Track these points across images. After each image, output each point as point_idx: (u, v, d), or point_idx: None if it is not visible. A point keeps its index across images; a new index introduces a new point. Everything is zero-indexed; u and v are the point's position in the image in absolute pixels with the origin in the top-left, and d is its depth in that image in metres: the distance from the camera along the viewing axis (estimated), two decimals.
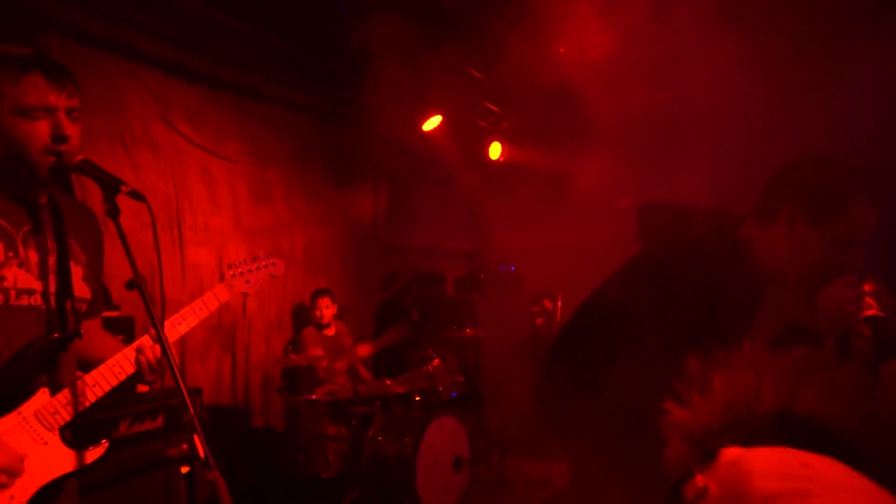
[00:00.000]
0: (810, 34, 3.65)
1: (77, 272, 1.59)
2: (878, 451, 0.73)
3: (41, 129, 1.43)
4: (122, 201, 1.42)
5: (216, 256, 4.53)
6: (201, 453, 1.28)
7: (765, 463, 0.66)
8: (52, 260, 1.53)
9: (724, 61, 3.95)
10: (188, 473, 1.32)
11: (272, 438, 4.63)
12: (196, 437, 1.29)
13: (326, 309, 4.74)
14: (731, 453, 0.70)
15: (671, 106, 5.08)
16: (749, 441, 0.73)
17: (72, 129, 1.46)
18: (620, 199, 6.95)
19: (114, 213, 1.41)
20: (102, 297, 1.76)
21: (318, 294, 4.82)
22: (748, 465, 0.66)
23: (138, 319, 3.71)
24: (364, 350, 4.68)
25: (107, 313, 3.57)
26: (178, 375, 1.33)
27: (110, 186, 1.42)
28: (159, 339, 1.34)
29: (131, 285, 1.39)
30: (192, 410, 1.31)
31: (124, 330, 3.51)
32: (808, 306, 1.56)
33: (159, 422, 3.12)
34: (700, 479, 0.70)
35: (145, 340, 1.64)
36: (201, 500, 1.42)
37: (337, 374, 4.55)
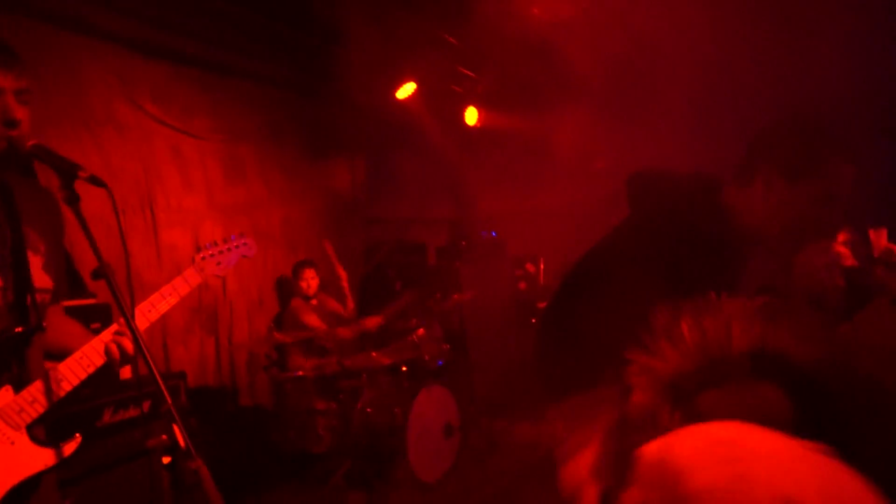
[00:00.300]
0: None
1: (36, 262, 1.53)
2: (848, 391, 0.73)
3: None
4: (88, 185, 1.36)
5: (192, 237, 4.45)
6: (181, 442, 1.25)
7: (690, 455, 0.63)
8: (7, 251, 1.47)
9: (699, 18, 3.91)
10: (170, 463, 1.29)
11: (261, 417, 4.63)
12: (175, 427, 1.26)
13: (312, 280, 4.68)
14: (649, 453, 0.67)
15: (647, 64, 5.03)
16: (723, 381, 0.72)
17: (21, 112, 1.38)
18: (599, 159, 6.94)
19: (72, 199, 1.35)
20: (66, 285, 1.69)
21: (302, 265, 4.74)
22: (674, 462, 0.64)
23: (115, 306, 3.65)
24: (372, 322, 4.60)
25: (82, 301, 3.50)
26: (151, 364, 1.29)
27: (67, 172, 1.35)
28: (130, 328, 1.30)
29: (97, 275, 1.34)
30: (168, 399, 1.28)
31: (101, 317, 3.43)
32: (785, 271, 1.57)
33: (144, 408, 3.08)
34: (629, 496, 0.68)
35: (113, 328, 1.59)
36: (185, 487, 1.40)
37: (343, 341, 4.50)
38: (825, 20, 3.47)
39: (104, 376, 1.64)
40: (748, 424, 0.65)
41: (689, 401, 0.74)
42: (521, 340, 6.34)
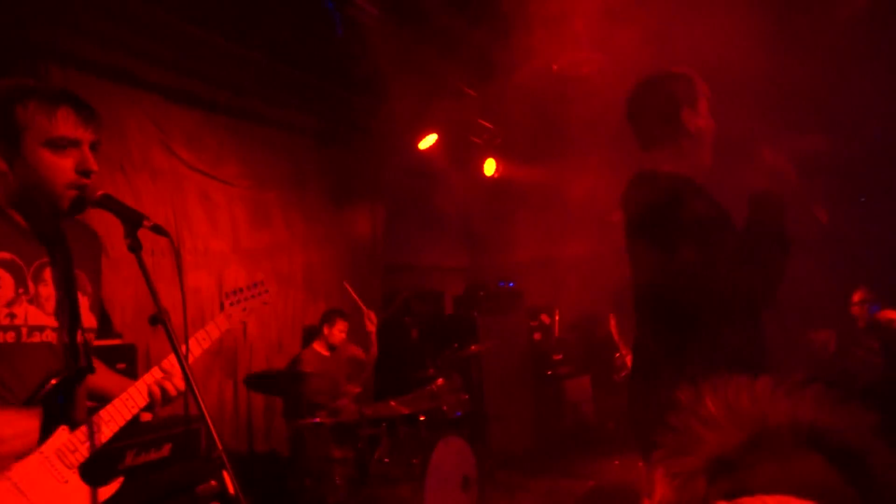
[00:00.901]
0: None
1: (84, 303, 1.58)
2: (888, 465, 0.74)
3: (66, 163, 1.43)
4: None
5: (216, 280, 4.51)
6: (230, 489, 1.27)
7: None
8: (62, 293, 1.52)
9: (718, 76, 4.00)
10: None
11: (277, 463, 4.58)
12: (225, 473, 1.28)
13: (340, 333, 4.64)
14: None
15: None
16: (765, 454, 0.72)
17: (95, 164, 1.46)
18: (614, 213, 6.99)
19: (136, 247, 1.41)
20: (102, 324, 1.74)
21: (335, 314, 4.68)
22: None
23: (140, 347, 3.68)
24: (353, 389, 4.60)
25: (109, 341, 3.55)
26: (204, 410, 1.32)
27: (132, 221, 1.42)
28: (185, 375, 1.33)
29: (155, 320, 1.38)
30: (220, 445, 1.29)
31: (126, 358, 3.46)
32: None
33: (165, 451, 3.08)
34: None
35: (155, 371, 1.63)
36: None
37: (341, 396, 4.49)
38: (854, 57, 3.57)
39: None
40: (799, 499, 0.65)
41: (731, 476, 0.72)
42: (536, 392, 6.29)
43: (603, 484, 4.95)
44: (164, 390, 1.62)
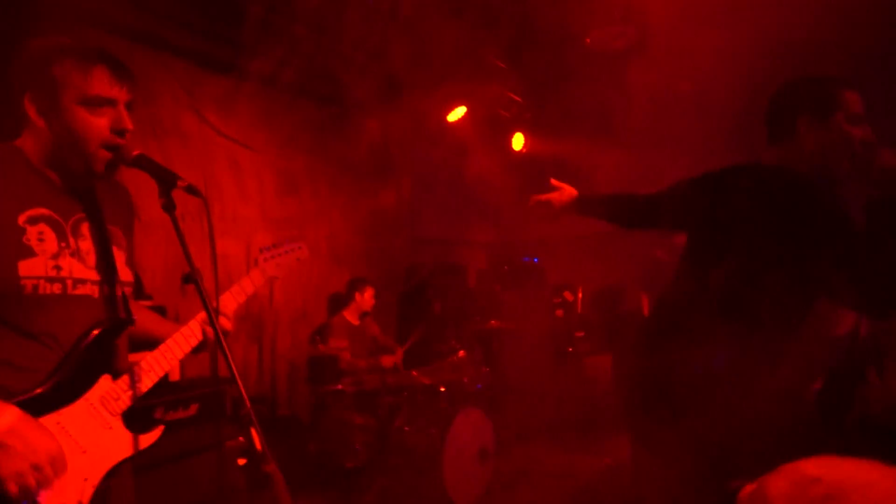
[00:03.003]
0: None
1: (120, 257, 1.61)
2: None
3: (102, 122, 1.45)
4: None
5: (244, 246, 4.57)
6: (258, 446, 1.30)
7: (783, 493, 0.65)
8: (100, 248, 1.55)
9: (751, 55, 3.89)
10: (245, 465, 1.34)
11: (299, 428, 4.68)
12: (253, 430, 1.30)
13: (370, 299, 4.77)
14: (744, 494, 0.70)
15: (695, 98, 5.01)
16: None
17: (130, 123, 1.48)
18: (640, 190, 6.91)
19: (170, 207, 1.43)
20: (138, 278, 1.79)
21: (364, 282, 4.82)
22: (765, 495, 0.66)
23: (169, 310, 3.76)
24: (388, 361, 4.69)
25: (140, 302, 3.63)
26: (234, 369, 1.34)
27: (166, 181, 1.43)
28: (216, 334, 1.36)
29: (187, 279, 1.40)
30: (248, 403, 1.32)
31: None
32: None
33: (193, 410, 3.16)
34: None
35: (202, 316, 1.66)
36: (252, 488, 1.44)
37: (358, 370, 4.56)
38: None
39: None
40: (838, 458, 0.66)
41: None
42: (557, 368, 6.30)
43: (619, 462, 4.97)
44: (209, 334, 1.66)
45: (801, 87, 1.84)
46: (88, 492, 1.41)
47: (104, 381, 1.48)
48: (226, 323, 1.72)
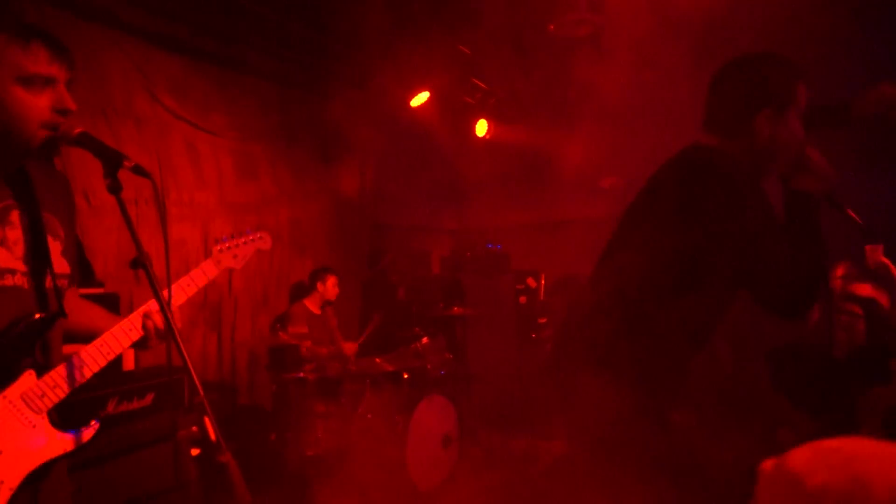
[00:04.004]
0: None
1: (56, 247, 1.52)
2: None
3: (41, 101, 1.36)
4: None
5: (201, 232, 4.45)
6: (212, 436, 1.25)
7: (805, 462, 0.68)
8: (30, 237, 1.46)
9: (712, 40, 3.94)
10: (199, 455, 1.29)
11: (260, 417, 4.61)
12: (206, 420, 1.26)
13: (334, 287, 4.74)
14: (767, 466, 0.72)
15: (657, 84, 5.06)
16: None
17: (73, 103, 1.39)
18: (605, 179, 6.97)
19: (116, 188, 1.35)
20: (79, 269, 1.69)
21: (327, 271, 4.81)
22: (790, 469, 0.67)
23: (123, 297, 3.64)
24: (350, 348, 4.67)
25: (91, 290, 3.50)
26: (186, 357, 1.29)
27: (112, 161, 1.35)
28: (166, 321, 1.30)
29: (136, 264, 1.34)
30: (201, 392, 1.27)
31: (109, 307, 3.41)
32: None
33: (148, 400, 3.07)
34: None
35: (144, 309, 1.59)
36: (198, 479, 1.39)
37: (319, 357, 4.51)
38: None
39: (109, 367, 1.62)
40: (858, 437, 0.69)
41: None
42: (521, 354, 6.34)
43: None
44: (156, 325, 1.59)
45: (764, 78, 1.68)
46: (5, 495, 1.33)
47: (27, 377, 1.40)
48: (159, 322, 1.60)
